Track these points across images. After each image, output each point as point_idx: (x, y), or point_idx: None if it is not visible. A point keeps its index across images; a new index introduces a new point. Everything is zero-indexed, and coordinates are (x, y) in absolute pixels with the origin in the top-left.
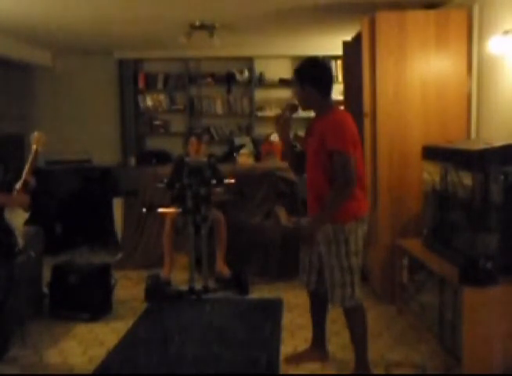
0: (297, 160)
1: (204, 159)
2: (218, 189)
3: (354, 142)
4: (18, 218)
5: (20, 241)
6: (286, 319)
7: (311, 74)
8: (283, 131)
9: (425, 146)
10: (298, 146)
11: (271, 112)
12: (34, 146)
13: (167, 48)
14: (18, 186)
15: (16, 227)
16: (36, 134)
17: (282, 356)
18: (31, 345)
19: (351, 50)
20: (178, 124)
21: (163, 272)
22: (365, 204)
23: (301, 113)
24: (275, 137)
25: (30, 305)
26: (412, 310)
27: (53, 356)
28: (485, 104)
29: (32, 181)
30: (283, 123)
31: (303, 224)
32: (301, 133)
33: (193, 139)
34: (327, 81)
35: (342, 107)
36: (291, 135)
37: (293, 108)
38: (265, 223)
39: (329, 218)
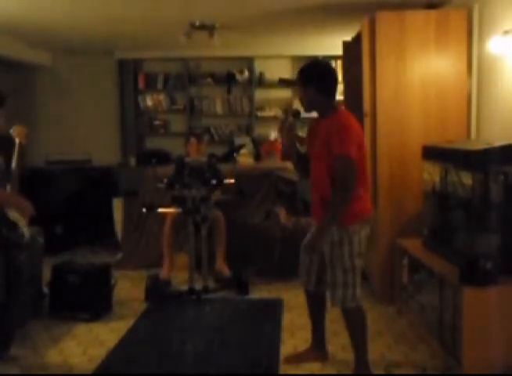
0: (302, 164)
1: (204, 159)
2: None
3: (359, 145)
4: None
5: (26, 232)
6: (286, 319)
7: (316, 75)
8: (289, 137)
9: (425, 146)
10: (299, 146)
11: (271, 112)
12: (17, 140)
13: (167, 48)
14: (9, 188)
15: (19, 219)
16: (16, 128)
17: (282, 356)
18: (31, 345)
19: (351, 50)
20: (178, 124)
21: (163, 273)
22: (369, 206)
23: (303, 114)
24: (275, 136)
25: (30, 305)
26: (412, 310)
27: (53, 356)
28: (485, 104)
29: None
30: (288, 129)
31: (311, 232)
32: (302, 133)
33: (193, 140)
34: (332, 82)
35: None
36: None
37: (296, 114)
38: (265, 223)
39: (334, 225)
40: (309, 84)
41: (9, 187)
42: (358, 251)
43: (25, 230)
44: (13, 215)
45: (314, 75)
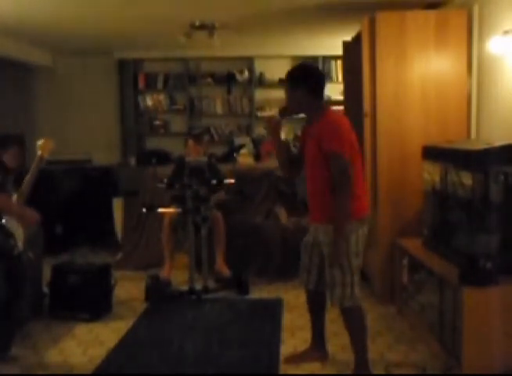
0: (289, 162)
1: (204, 159)
2: (219, 194)
3: (351, 144)
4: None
5: (20, 244)
6: (286, 319)
7: (304, 77)
8: (275, 134)
9: (425, 146)
10: (298, 147)
11: (271, 112)
12: (39, 153)
13: (167, 48)
14: (15, 197)
15: (15, 230)
16: (44, 140)
17: (282, 356)
18: (31, 345)
19: (351, 50)
20: (178, 124)
21: (163, 273)
22: (366, 205)
23: (301, 114)
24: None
25: (30, 305)
26: (412, 310)
27: (53, 356)
28: (485, 104)
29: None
30: (274, 125)
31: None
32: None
33: (190, 141)
34: (319, 83)
35: (342, 107)
36: (291, 136)
37: (283, 111)
38: (265, 223)
39: (346, 223)
40: (297, 86)
41: (15, 196)
42: (355, 250)
43: (19, 243)
44: (11, 225)
45: (303, 77)
